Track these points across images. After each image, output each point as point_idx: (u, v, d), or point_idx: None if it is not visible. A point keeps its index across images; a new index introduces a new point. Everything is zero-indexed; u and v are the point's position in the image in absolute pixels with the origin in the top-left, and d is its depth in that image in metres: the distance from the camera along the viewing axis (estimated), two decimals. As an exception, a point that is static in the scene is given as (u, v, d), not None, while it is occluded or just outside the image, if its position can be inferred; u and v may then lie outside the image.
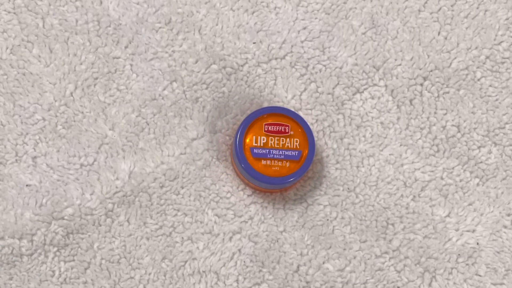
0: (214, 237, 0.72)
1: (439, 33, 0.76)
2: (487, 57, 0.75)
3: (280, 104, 0.74)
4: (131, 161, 0.72)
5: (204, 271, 0.72)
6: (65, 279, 0.71)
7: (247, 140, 0.69)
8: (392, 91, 0.75)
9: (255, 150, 0.69)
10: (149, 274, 0.71)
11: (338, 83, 0.75)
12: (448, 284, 0.72)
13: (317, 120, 0.74)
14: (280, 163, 0.69)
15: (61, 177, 0.72)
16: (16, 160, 0.72)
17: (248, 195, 0.73)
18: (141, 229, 0.72)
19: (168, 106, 0.73)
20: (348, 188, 0.73)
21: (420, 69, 0.75)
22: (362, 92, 0.75)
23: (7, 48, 0.74)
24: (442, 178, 0.74)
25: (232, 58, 0.74)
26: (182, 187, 0.72)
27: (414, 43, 0.75)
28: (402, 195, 0.73)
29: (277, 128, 0.69)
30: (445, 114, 0.75)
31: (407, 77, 0.75)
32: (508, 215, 0.74)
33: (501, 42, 0.76)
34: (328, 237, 0.73)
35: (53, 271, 0.71)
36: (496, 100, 0.75)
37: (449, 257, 0.73)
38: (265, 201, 0.73)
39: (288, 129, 0.69)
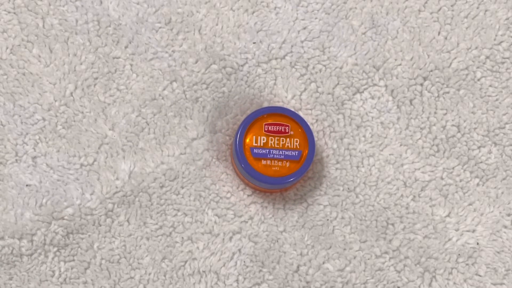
0: (214, 237, 0.72)
1: (439, 33, 0.76)
2: (487, 57, 0.75)
3: (280, 104, 0.74)
4: (131, 161, 0.72)
5: (204, 271, 0.72)
6: (65, 279, 0.71)
7: (247, 140, 0.69)
8: (392, 91, 0.75)
9: (255, 150, 0.69)
10: (149, 274, 0.71)
11: (338, 83, 0.75)
12: (448, 284, 0.72)
13: (317, 120, 0.74)
14: (280, 163, 0.69)
15: (61, 177, 0.72)
16: (16, 160, 0.72)
17: (248, 195, 0.73)
18: (141, 229, 0.72)
19: (168, 106, 0.73)
20: (348, 188, 0.73)
21: (420, 69, 0.75)
22: (362, 92, 0.75)
23: (7, 48, 0.74)
24: (442, 178, 0.74)
25: (232, 58, 0.74)
26: (182, 187, 0.72)
27: (414, 43, 0.75)
28: (402, 195, 0.73)
29: (277, 128, 0.69)
30: (445, 114, 0.75)
31: (407, 77, 0.75)
32: (508, 215, 0.74)
33: (501, 42, 0.76)
34: (328, 237, 0.73)
35: (53, 271, 0.71)
36: (496, 100, 0.75)
37: (449, 257, 0.73)
38: (265, 201, 0.73)
39: (288, 129, 0.69)
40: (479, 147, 0.74)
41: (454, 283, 0.72)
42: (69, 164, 0.72)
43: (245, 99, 0.74)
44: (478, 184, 0.74)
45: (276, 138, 0.69)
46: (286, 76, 0.74)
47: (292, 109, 0.73)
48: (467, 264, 0.73)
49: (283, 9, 0.75)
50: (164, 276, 0.72)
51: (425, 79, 0.75)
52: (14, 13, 0.74)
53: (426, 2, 0.76)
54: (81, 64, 0.74)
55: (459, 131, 0.74)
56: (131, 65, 0.74)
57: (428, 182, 0.74)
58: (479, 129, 0.74)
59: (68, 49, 0.74)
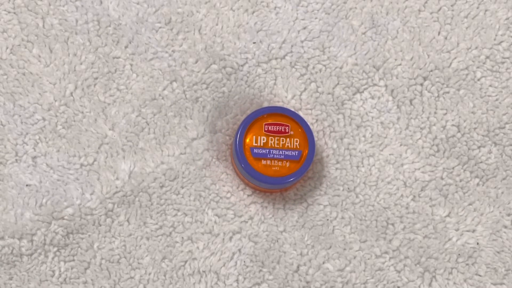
0: (214, 237, 0.72)
1: (439, 33, 0.76)
2: (487, 57, 0.75)
3: (280, 104, 0.74)
4: (131, 161, 0.72)
5: (204, 271, 0.72)
6: (65, 279, 0.71)
7: (247, 140, 0.69)
8: (392, 91, 0.75)
9: (255, 150, 0.69)
10: (149, 274, 0.71)
11: (338, 83, 0.75)
12: (448, 284, 0.72)
13: (317, 120, 0.74)
14: (280, 163, 0.69)
15: (61, 177, 0.72)
16: (16, 160, 0.72)
17: (248, 195, 0.73)
18: (141, 229, 0.72)
19: (168, 106, 0.73)
20: (348, 188, 0.73)
21: (420, 69, 0.75)
22: (362, 92, 0.75)
23: (7, 48, 0.74)
24: (442, 178, 0.74)
25: (232, 58, 0.74)
26: (182, 187, 0.72)
27: (414, 43, 0.75)
28: (402, 195, 0.73)
29: (277, 128, 0.69)
30: (445, 114, 0.75)
31: (407, 77, 0.75)
32: (508, 215, 0.74)
33: (501, 42, 0.76)
34: (328, 237, 0.72)
35: (53, 271, 0.71)
36: (496, 100, 0.75)
37: (449, 257, 0.73)
38: (265, 201, 0.73)
39: (288, 129, 0.69)
40: (479, 147, 0.74)
41: (454, 283, 0.72)
42: (69, 164, 0.72)
43: (245, 99, 0.74)
44: (478, 184, 0.74)
45: (276, 138, 0.69)
46: (286, 76, 0.74)
47: (292, 109, 0.73)
48: (467, 264, 0.73)
49: (283, 9, 0.75)
50: (164, 276, 0.72)
51: (425, 79, 0.75)
52: (14, 13, 0.74)
53: (426, 2, 0.76)
54: (81, 64, 0.74)
55: (459, 131, 0.74)
56: (131, 65, 0.74)
57: (428, 182, 0.74)
58: (479, 129, 0.74)
59: (68, 49, 0.74)
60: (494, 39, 0.76)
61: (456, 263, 0.73)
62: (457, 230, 0.73)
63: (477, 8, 0.76)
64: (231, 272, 0.72)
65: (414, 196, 0.73)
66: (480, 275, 0.73)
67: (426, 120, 0.74)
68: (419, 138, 0.74)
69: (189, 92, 0.74)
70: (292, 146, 0.69)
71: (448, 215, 0.73)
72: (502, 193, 0.74)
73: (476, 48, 0.76)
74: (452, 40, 0.76)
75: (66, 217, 0.71)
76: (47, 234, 0.71)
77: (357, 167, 0.73)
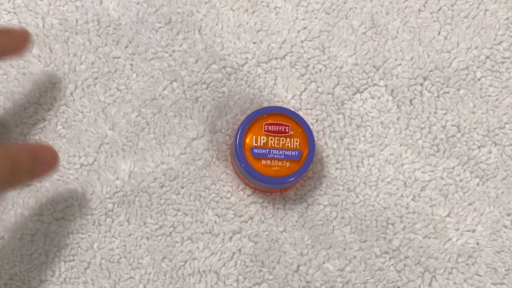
0: (214, 237, 0.72)
1: (439, 33, 0.76)
2: (487, 57, 0.75)
3: (280, 104, 0.74)
4: (131, 161, 0.72)
5: (204, 271, 0.72)
6: (65, 279, 0.71)
7: (247, 140, 0.69)
8: (392, 91, 0.75)
9: (255, 150, 0.69)
10: (149, 274, 0.71)
11: (338, 83, 0.75)
12: (448, 284, 0.72)
13: (317, 120, 0.74)
14: (280, 163, 0.69)
15: (61, 177, 0.72)
16: (16, 160, 0.72)
17: (248, 195, 0.73)
18: (141, 229, 0.72)
19: (168, 106, 0.73)
20: (348, 188, 0.73)
21: (420, 69, 0.75)
22: (362, 92, 0.75)
23: (7, 48, 0.74)
24: (442, 178, 0.74)
25: (232, 58, 0.74)
26: (182, 187, 0.72)
27: (414, 43, 0.75)
28: (402, 195, 0.73)
29: (277, 128, 0.69)
30: (445, 114, 0.75)
31: (407, 77, 0.75)
32: (508, 215, 0.74)
33: (501, 42, 0.76)
34: (328, 237, 0.73)
35: (53, 271, 0.71)
36: (496, 100, 0.75)
37: (449, 257, 0.73)
38: (265, 201, 0.73)
39: (288, 129, 0.69)
40: (479, 147, 0.74)
41: (454, 283, 0.72)
42: (69, 164, 0.72)
43: (245, 99, 0.74)
44: (478, 184, 0.74)
45: (276, 138, 0.69)
46: (286, 76, 0.75)
47: (292, 109, 0.73)
48: (467, 264, 0.73)
49: (283, 9, 0.75)
50: (164, 276, 0.72)
51: (425, 79, 0.75)
52: (14, 13, 0.74)
53: (426, 2, 0.76)
54: (81, 64, 0.74)
55: (459, 131, 0.74)
56: (131, 65, 0.74)
57: (428, 182, 0.74)
58: (479, 129, 0.74)
59: (68, 49, 0.74)
60: (494, 39, 0.76)
61: (456, 263, 0.73)
62: (457, 230, 0.73)
63: (477, 8, 0.76)
64: (231, 272, 0.72)
65: (414, 196, 0.73)
66: (480, 275, 0.73)
67: (426, 120, 0.74)
68: (419, 138, 0.74)
69: (189, 92, 0.74)
70: (292, 146, 0.69)
71: (448, 215, 0.73)
72: (502, 193, 0.74)
73: (476, 48, 0.76)
74: (452, 40, 0.76)
75: (66, 217, 0.71)
76: (48, 234, 0.71)
77: (357, 167, 0.73)
